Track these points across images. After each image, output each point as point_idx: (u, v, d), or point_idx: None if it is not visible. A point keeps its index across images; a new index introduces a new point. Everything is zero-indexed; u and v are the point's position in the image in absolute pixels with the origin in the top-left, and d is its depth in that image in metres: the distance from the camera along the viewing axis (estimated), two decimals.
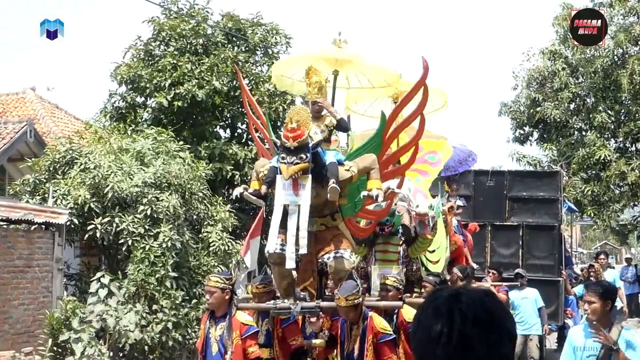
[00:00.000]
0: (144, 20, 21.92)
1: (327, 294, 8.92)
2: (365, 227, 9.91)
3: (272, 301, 8.33)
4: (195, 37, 21.53)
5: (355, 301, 7.69)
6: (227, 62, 20.87)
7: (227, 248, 16.45)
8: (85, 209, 14.88)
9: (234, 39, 22.34)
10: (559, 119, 29.82)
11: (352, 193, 8.55)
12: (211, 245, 16.09)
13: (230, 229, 17.33)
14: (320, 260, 8.36)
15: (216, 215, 17.05)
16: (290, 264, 7.76)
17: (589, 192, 28.90)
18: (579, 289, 15.90)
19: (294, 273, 8.42)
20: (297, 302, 8.16)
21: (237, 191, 8.51)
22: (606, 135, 29.80)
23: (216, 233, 16.15)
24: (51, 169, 16.05)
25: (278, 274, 8.28)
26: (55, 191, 15.20)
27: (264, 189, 8.11)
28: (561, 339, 15.81)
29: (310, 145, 7.83)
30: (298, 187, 7.79)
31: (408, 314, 8.21)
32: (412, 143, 9.09)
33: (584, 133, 30.62)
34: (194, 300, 15.11)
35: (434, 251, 10.86)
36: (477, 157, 14.73)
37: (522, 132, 32.09)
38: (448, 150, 12.23)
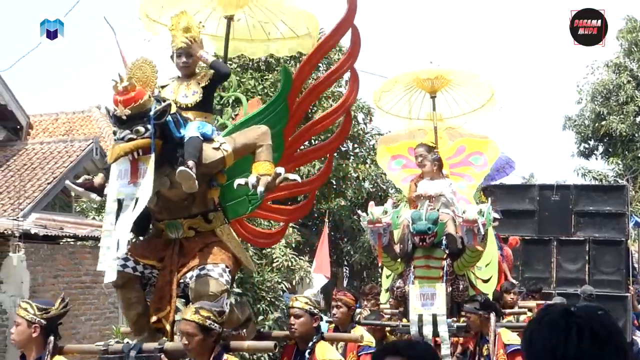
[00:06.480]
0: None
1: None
2: (271, 232, 8.11)
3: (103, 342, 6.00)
4: None
5: (208, 322, 5.23)
6: None
7: (290, 264, 16.46)
8: None
9: (296, 55, 22.42)
10: (624, 133, 29.41)
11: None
12: (275, 261, 16.09)
13: (293, 245, 17.36)
14: (182, 281, 5.90)
15: None
16: (110, 276, 5.45)
17: None
18: None
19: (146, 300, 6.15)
20: (137, 342, 5.80)
21: (68, 182, 6.14)
22: None
23: (280, 249, 16.16)
24: None
25: (123, 302, 6.07)
26: None
27: (98, 178, 5.88)
28: None
29: (152, 112, 5.42)
30: (137, 173, 5.43)
31: (325, 353, 6.16)
32: (341, 109, 7.01)
33: None
34: (260, 317, 15.14)
35: (485, 266, 9.36)
36: (515, 164, 14.41)
37: (586, 146, 31.73)
38: (495, 151, 10.44)
